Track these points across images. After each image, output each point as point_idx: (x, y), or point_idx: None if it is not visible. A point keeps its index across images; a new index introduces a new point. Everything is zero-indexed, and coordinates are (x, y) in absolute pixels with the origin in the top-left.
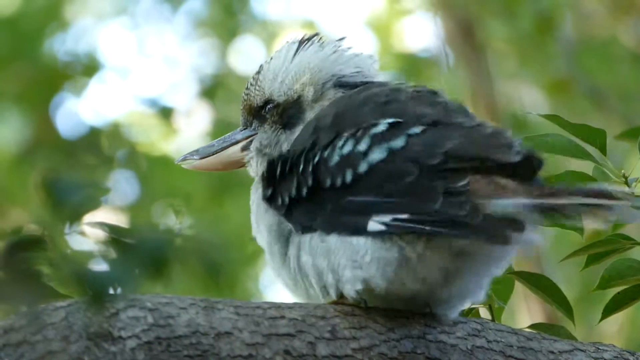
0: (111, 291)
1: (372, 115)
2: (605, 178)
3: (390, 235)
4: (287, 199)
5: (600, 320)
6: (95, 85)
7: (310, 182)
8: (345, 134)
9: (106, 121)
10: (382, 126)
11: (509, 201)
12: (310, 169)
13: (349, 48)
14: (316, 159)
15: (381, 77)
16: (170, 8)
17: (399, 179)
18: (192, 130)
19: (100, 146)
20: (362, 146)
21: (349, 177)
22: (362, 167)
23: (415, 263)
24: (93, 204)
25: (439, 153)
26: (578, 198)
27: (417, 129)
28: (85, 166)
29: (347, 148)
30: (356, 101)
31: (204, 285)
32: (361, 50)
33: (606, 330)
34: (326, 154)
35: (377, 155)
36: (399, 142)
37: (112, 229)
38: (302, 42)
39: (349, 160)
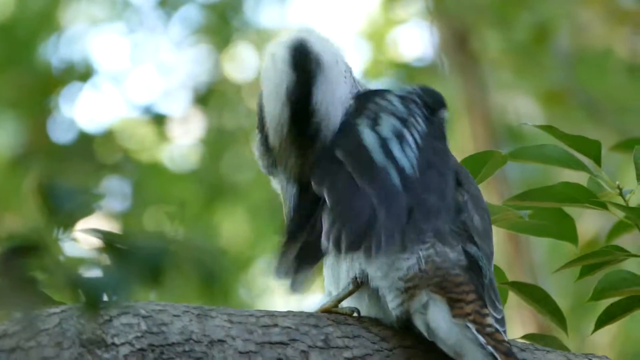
0: (105, 298)
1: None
2: (600, 189)
3: None
4: None
5: (593, 331)
6: (88, 91)
7: None
8: None
9: (99, 127)
10: None
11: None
12: None
13: None
14: None
15: None
16: (165, 15)
17: None
18: (185, 138)
19: (93, 152)
20: None
21: None
22: None
23: None
24: (88, 210)
25: None
26: None
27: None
28: (78, 172)
29: None
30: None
31: (198, 292)
32: None
33: (599, 341)
34: None
35: None
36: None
37: (106, 235)
38: None
39: None
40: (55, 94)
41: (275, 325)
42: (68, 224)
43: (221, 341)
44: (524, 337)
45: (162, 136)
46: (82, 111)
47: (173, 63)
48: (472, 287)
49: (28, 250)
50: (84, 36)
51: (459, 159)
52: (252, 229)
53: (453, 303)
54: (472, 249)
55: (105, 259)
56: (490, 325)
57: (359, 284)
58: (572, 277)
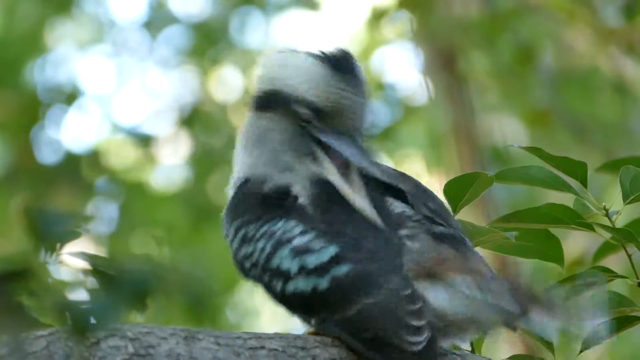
0: (92, 321)
1: None
2: (586, 210)
3: None
4: None
5: (580, 352)
6: (74, 113)
7: None
8: None
9: (85, 149)
10: None
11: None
12: None
13: None
14: None
15: None
16: (150, 36)
17: None
18: (171, 159)
19: (80, 174)
20: None
21: None
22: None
23: None
24: (74, 234)
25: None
26: None
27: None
28: (65, 194)
29: None
30: None
31: (185, 316)
32: None
33: None
34: None
35: None
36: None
37: (92, 258)
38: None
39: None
40: (42, 115)
41: (263, 347)
42: (55, 247)
43: None
44: (511, 358)
45: (148, 157)
46: (69, 133)
47: (158, 84)
48: (453, 252)
49: (15, 274)
50: (70, 58)
51: (445, 181)
52: None
53: (443, 277)
54: (439, 229)
55: (92, 283)
56: (488, 272)
57: None
58: None
